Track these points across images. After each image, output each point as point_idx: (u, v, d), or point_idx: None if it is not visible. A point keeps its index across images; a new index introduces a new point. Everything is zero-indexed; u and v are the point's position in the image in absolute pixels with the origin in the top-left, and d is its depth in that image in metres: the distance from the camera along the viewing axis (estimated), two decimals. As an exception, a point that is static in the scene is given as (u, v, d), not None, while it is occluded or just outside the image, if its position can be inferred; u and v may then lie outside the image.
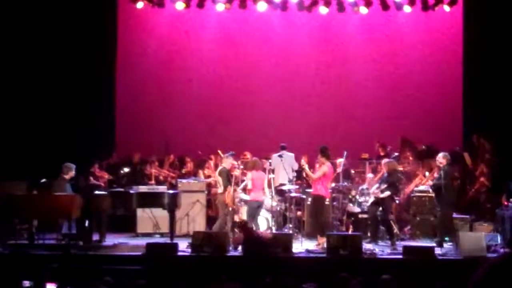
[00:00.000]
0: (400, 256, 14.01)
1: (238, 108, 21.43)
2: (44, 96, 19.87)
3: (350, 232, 16.13)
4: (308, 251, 14.67)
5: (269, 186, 16.42)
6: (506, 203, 16.01)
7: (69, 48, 20.09)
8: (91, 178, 17.78)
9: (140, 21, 21.55)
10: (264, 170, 16.45)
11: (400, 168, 17.99)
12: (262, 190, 15.83)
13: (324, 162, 15.95)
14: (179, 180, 18.12)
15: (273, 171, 17.21)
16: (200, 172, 18.67)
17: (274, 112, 21.30)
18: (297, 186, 17.03)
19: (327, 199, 16.31)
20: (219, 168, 16.67)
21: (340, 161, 17.17)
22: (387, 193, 16.08)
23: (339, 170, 17.02)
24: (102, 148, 19.66)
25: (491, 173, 18.42)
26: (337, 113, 21.39)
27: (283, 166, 17.04)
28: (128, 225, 17.48)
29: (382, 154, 18.91)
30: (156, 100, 21.31)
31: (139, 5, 20.54)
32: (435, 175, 17.17)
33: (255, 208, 15.65)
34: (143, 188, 16.77)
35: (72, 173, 15.87)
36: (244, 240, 13.89)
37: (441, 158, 15.87)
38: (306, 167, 16.36)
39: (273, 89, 21.48)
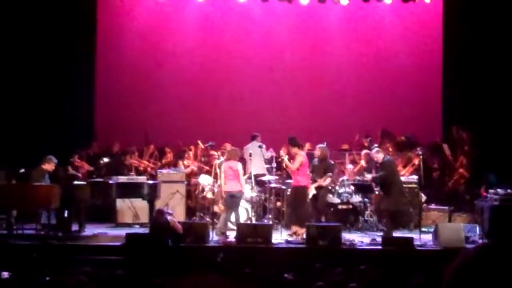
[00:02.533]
0: (379, 247, 14.08)
1: (218, 98, 21.39)
2: (23, 86, 19.75)
3: (329, 223, 16.16)
4: (287, 241, 14.70)
5: (249, 177, 16.45)
6: (485, 194, 16.10)
7: (47, 38, 19.97)
8: (69, 168, 17.70)
9: (119, 11, 21.46)
10: (240, 160, 16.44)
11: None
12: (235, 180, 15.64)
13: (296, 152, 15.95)
14: (159, 170, 18.09)
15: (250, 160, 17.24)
16: (180, 162, 18.63)
17: (253, 102, 21.28)
18: (277, 177, 17.04)
19: (309, 188, 16.27)
20: (219, 161, 16.63)
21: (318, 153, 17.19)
22: (328, 180, 16.15)
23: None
24: (81, 138, 19.59)
25: (470, 164, 18.50)
26: (317, 104, 21.39)
27: (263, 157, 17.11)
28: (107, 215, 17.45)
29: (366, 145, 18.99)
30: (136, 90, 21.22)
31: (119, -7, 20.49)
32: (415, 166, 17.29)
33: (228, 199, 15.51)
34: (122, 178, 16.75)
35: (52, 166, 15.78)
36: (152, 222, 14.11)
37: (375, 154, 15.84)
38: (285, 158, 16.36)
39: (253, 79, 21.46)
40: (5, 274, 9.32)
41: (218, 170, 16.23)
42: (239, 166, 15.75)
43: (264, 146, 17.65)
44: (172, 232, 13.68)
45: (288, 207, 16.64)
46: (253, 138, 18.09)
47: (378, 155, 15.74)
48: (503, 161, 17.76)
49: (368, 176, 16.46)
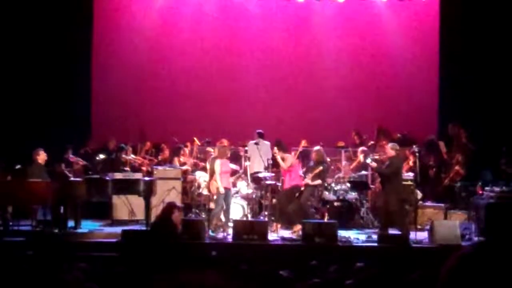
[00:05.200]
0: (375, 244, 14.10)
1: (214, 94, 21.38)
2: (18, 83, 19.75)
3: (325, 220, 16.17)
4: (283, 238, 14.71)
5: (245, 173, 16.49)
6: (480, 191, 16.10)
7: (44, 35, 19.97)
8: (63, 165, 17.66)
9: (116, 7, 21.45)
10: (229, 158, 16.51)
11: (376, 157, 18.06)
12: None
13: (283, 156, 16.12)
14: (155, 167, 18.07)
15: (248, 158, 17.27)
16: (176, 159, 18.62)
17: (250, 99, 21.29)
18: (273, 174, 17.03)
19: (301, 187, 16.29)
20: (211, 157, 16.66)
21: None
22: (318, 181, 16.18)
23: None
24: (77, 134, 19.57)
25: (466, 162, 18.49)
26: (312, 100, 21.39)
27: (259, 154, 17.07)
28: (103, 212, 17.42)
29: (357, 142, 19.00)
30: (132, 87, 21.22)
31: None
32: (410, 163, 17.27)
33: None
34: (118, 175, 16.74)
35: (43, 156, 15.82)
36: (159, 217, 13.98)
37: (389, 148, 15.76)
38: (278, 157, 16.41)
39: (249, 76, 21.45)
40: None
41: (208, 166, 16.24)
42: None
43: (260, 142, 17.62)
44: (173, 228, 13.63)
45: (285, 207, 16.60)
46: (259, 135, 17.99)
47: (391, 151, 15.60)
48: (499, 158, 17.75)
49: (373, 164, 16.17)
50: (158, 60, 21.51)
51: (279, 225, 15.79)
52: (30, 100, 19.72)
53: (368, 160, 16.33)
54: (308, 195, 16.36)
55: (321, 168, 16.23)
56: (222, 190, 15.51)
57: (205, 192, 16.72)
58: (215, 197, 15.84)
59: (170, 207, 13.81)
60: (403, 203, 15.82)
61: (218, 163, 15.67)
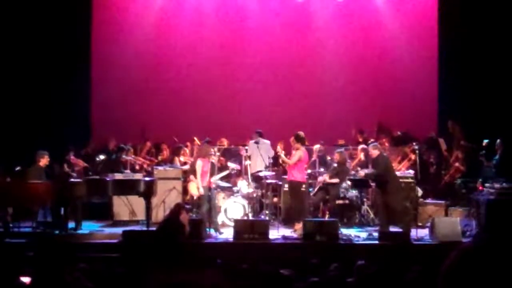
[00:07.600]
0: (376, 241, 14.09)
1: (214, 94, 21.38)
2: (18, 83, 19.74)
3: (326, 218, 16.17)
4: (284, 237, 14.69)
5: (246, 172, 16.47)
6: (481, 188, 16.08)
7: (43, 35, 19.96)
8: (65, 166, 17.65)
9: (115, 6, 21.46)
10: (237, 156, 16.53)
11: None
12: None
13: (298, 148, 16.00)
14: (155, 167, 18.05)
15: (249, 157, 17.26)
16: (176, 159, 18.60)
17: (250, 98, 21.27)
18: (274, 173, 17.02)
19: (304, 184, 16.28)
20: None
21: (317, 147, 17.28)
22: (336, 180, 16.24)
23: (315, 156, 17.13)
24: (77, 135, 19.56)
25: (466, 158, 18.48)
26: (313, 99, 21.39)
27: (260, 153, 17.06)
28: (104, 213, 17.40)
29: (360, 140, 19.01)
30: (132, 87, 21.20)
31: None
32: (411, 161, 17.27)
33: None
34: (119, 176, 16.71)
35: (46, 160, 15.79)
36: (167, 217, 13.90)
37: (371, 149, 15.85)
38: (282, 154, 16.40)
39: (248, 75, 21.45)
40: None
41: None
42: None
43: (260, 141, 17.61)
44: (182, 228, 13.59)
45: (286, 203, 16.67)
46: (258, 134, 17.99)
47: (374, 151, 15.71)
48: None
49: (362, 173, 16.41)
50: (157, 60, 21.50)
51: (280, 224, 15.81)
52: (30, 101, 19.71)
53: (362, 173, 16.46)
54: (337, 192, 16.49)
55: (341, 176, 16.47)
56: (202, 191, 15.50)
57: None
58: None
59: (178, 208, 13.76)
60: (404, 200, 15.84)
61: (199, 164, 15.64)
